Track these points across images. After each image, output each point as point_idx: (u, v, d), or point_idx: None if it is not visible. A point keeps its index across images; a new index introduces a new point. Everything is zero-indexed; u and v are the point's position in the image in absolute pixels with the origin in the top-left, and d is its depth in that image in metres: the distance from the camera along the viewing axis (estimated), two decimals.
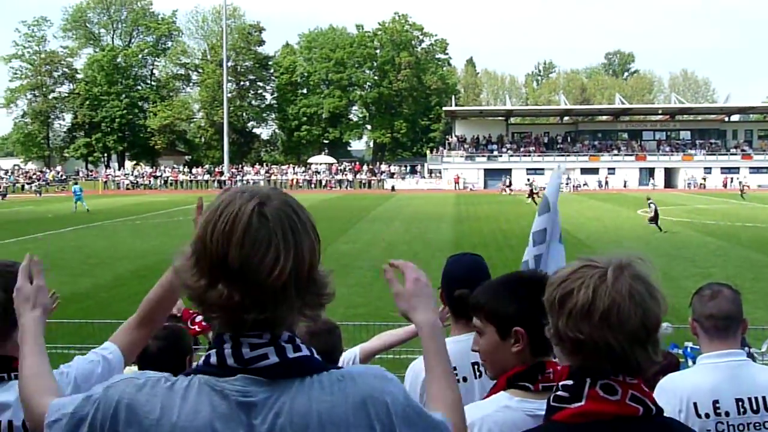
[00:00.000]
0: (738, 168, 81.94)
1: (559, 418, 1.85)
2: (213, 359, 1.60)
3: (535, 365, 2.41)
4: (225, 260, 1.55)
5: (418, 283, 2.11)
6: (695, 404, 3.22)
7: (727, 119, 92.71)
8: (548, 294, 1.90)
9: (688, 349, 6.66)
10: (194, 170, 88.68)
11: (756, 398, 3.21)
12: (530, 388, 2.38)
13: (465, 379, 3.20)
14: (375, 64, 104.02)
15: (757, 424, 3.23)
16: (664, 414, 1.92)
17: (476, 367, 3.23)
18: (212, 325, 1.66)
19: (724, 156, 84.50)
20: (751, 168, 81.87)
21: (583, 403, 1.82)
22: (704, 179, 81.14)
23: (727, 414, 3.22)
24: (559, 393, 1.87)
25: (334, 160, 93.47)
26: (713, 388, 3.22)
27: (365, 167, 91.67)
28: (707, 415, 3.22)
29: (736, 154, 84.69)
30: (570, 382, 1.86)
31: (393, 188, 77.54)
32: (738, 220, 35.86)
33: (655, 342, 1.83)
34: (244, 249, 1.54)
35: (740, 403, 3.21)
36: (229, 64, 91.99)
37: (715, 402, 3.22)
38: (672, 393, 3.23)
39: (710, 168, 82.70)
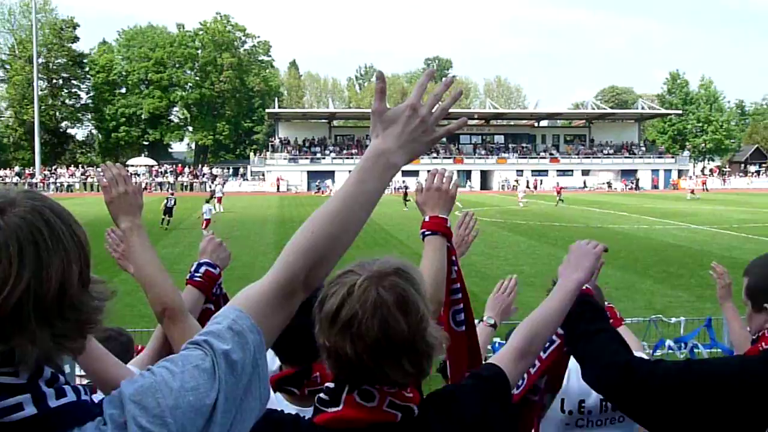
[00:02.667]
0: (547, 171, 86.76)
1: (319, 421, 1.86)
2: None
3: (301, 370, 2.40)
4: None
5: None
6: (562, 400, 3.42)
7: (537, 124, 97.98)
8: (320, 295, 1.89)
9: (496, 345, 6.23)
10: (2, 172, 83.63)
11: None
12: (296, 393, 2.41)
13: None
14: (196, 64, 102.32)
15: (612, 419, 3.52)
16: None
17: None
18: None
19: (534, 159, 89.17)
20: (558, 171, 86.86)
21: (340, 408, 1.83)
22: (517, 181, 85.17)
23: (590, 413, 3.48)
24: (321, 396, 1.89)
25: (155, 163, 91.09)
26: (580, 389, 3.33)
27: (187, 169, 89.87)
28: (570, 413, 3.47)
29: (545, 158, 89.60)
30: (332, 386, 1.88)
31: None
32: (546, 220, 38.00)
33: (414, 354, 1.81)
34: None
35: (603, 403, 3.46)
36: (40, 60, 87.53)
37: (581, 402, 3.46)
38: None
39: (522, 171, 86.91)
